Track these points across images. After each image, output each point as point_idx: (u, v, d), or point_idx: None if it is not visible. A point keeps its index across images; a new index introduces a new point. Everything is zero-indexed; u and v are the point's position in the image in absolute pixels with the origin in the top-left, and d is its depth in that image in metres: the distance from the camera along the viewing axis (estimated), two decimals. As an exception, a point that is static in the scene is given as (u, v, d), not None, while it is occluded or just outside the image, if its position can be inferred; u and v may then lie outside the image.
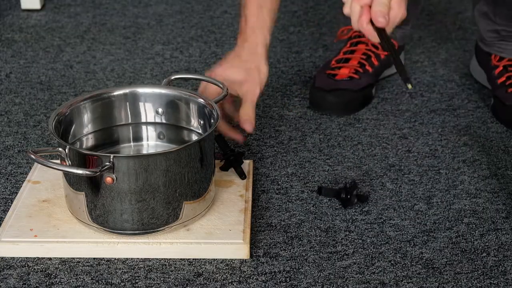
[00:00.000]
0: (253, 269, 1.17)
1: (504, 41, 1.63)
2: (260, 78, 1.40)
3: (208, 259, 1.18)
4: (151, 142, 1.34)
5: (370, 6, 1.20)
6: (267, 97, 1.65)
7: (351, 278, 1.15)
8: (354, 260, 1.18)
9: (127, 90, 1.32)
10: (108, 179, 1.14)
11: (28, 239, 1.19)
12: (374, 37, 1.21)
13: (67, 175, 1.19)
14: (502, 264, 1.18)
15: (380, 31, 1.19)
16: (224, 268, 1.17)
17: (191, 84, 1.68)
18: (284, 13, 2.06)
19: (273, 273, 1.16)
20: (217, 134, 1.37)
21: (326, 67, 1.66)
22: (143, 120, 1.33)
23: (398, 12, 1.21)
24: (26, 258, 1.18)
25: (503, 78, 1.59)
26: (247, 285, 1.14)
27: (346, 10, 1.24)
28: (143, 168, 1.14)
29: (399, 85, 1.69)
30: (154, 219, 1.18)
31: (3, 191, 1.35)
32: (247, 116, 1.38)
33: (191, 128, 1.31)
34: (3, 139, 1.50)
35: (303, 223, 1.27)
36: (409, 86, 1.15)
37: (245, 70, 1.40)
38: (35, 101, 1.64)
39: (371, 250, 1.21)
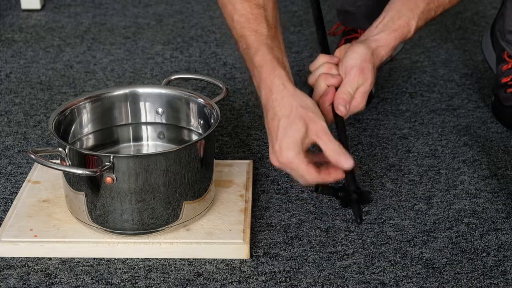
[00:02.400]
0: (253, 269, 1.17)
1: None
2: (309, 111, 1.13)
3: (208, 259, 1.18)
4: (151, 142, 1.34)
5: (336, 88, 1.20)
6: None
7: (351, 278, 1.15)
8: (354, 260, 1.18)
9: (127, 90, 1.32)
10: (108, 179, 1.14)
11: (28, 239, 1.19)
12: (330, 119, 1.20)
13: (67, 175, 1.19)
14: (502, 264, 1.18)
15: (338, 116, 1.19)
16: (224, 268, 1.17)
17: (191, 84, 1.68)
18: (284, 13, 2.06)
19: (273, 273, 1.16)
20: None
21: None
22: (143, 120, 1.33)
23: (360, 103, 1.20)
24: (26, 258, 1.18)
25: (508, 79, 1.57)
26: (247, 285, 1.14)
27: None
28: (143, 168, 1.14)
29: (399, 85, 1.69)
30: (154, 219, 1.18)
31: (3, 191, 1.35)
32: (333, 153, 1.12)
33: (191, 128, 1.31)
34: (3, 139, 1.50)
35: (303, 223, 1.26)
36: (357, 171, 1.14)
37: (294, 122, 1.12)
38: (35, 101, 1.64)
39: (371, 250, 1.21)
